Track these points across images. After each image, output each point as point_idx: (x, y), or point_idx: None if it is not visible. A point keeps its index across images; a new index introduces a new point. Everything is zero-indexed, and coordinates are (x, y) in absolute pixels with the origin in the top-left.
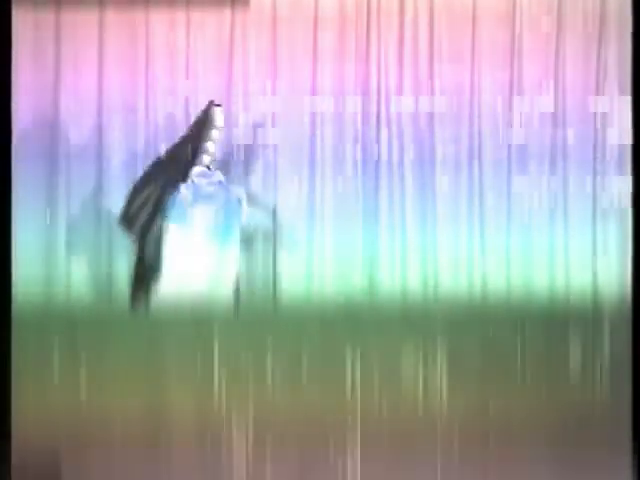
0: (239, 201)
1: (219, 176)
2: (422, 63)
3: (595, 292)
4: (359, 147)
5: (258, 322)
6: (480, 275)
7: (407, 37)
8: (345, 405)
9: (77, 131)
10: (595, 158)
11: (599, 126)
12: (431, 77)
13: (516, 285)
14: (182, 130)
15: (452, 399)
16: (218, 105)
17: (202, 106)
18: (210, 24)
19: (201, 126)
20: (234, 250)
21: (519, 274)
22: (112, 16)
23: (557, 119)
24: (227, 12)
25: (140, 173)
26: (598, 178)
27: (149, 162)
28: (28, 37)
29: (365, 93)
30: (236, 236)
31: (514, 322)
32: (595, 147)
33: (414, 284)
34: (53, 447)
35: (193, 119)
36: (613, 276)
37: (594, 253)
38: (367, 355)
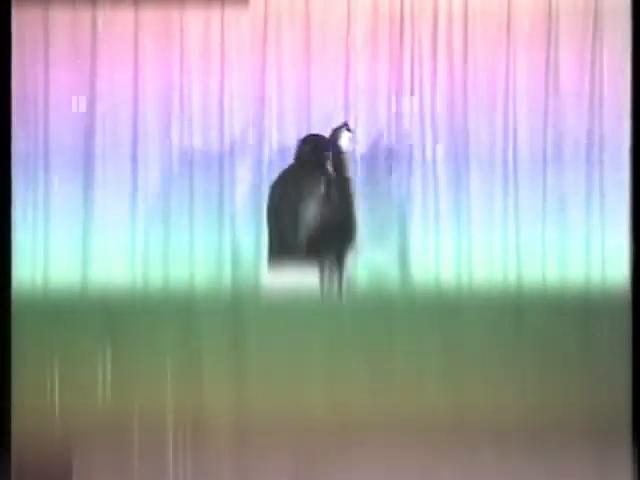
0: None
1: None
2: (456, 60)
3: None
4: (393, 142)
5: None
6: (514, 267)
7: (440, 33)
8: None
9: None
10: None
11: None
12: (465, 73)
13: (551, 278)
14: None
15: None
16: (348, 129)
17: (238, 102)
18: (244, 20)
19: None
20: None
21: (554, 266)
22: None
23: (593, 112)
24: (260, 10)
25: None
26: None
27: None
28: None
29: (398, 91)
30: None
31: (547, 314)
32: (635, 138)
33: (447, 276)
34: (54, 447)
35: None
36: None
37: (631, 243)
38: (401, 346)
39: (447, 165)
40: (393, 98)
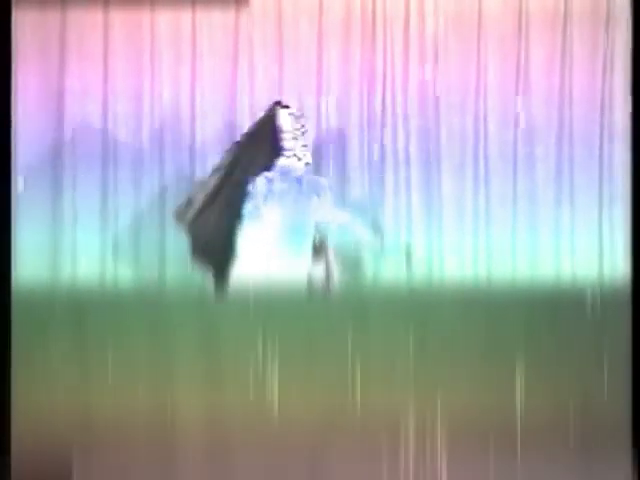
0: (318, 195)
1: (298, 170)
2: (428, 54)
3: (600, 280)
4: (365, 138)
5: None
6: (485, 262)
7: (412, 27)
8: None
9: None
10: (602, 148)
11: (605, 118)
12: (435, 73)
13: (522, 273)
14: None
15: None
16: (284, 107)
17: (209, 102)
18: (215, 12)
19: (266, 127)
20: (305, 248)
21: (524, 262)
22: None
23: (563, 110)
24: (231, 6)
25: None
26: (604, 167)
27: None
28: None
29: (371, 86)
30: (309, 233)
31: (518, 310)
32: (602, 138)
33: (419, 273)
34: (55, 445)
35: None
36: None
37: (600, 241)
38: (372, 345)
39: (418, 163)
40: (365, 97)
